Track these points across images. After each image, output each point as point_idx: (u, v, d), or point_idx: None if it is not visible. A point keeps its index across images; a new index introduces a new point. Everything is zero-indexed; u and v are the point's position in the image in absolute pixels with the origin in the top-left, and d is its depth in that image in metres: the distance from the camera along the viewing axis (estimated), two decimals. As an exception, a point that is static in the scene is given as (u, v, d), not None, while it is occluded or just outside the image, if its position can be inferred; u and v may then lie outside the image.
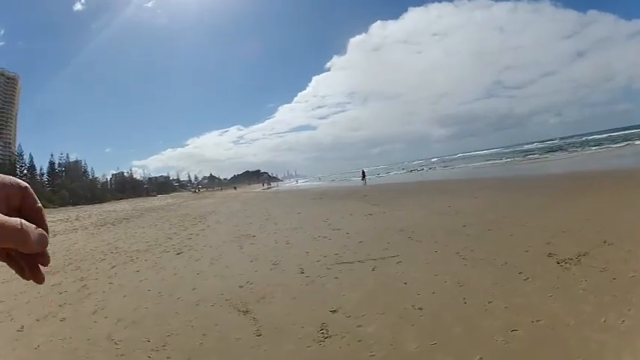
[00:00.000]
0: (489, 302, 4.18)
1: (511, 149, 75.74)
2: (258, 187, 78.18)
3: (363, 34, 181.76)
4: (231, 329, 4.17)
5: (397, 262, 6.03)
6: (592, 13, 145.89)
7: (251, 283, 5.85)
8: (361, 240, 8.01)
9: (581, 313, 3.74)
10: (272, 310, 4.70)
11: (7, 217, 0.42)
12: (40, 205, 0.48)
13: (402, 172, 57.94)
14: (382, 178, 50.97)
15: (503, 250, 6.05)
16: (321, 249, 7.63)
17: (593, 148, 41.03)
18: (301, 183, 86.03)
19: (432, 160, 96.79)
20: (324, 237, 8.90)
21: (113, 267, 8.23)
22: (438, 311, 4.09)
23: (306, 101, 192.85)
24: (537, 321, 3.69)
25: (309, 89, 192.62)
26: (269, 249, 8.37)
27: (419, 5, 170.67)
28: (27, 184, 0.49)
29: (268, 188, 69.03)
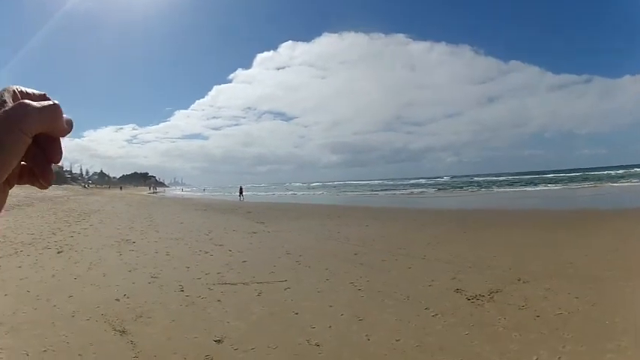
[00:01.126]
0: (397, 340, 3.74)
1: (402, 182, 78.43)
2: (145, 191, 76.15)
3: (272, 51, 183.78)
4: (107, 352, 3.68)
5: (285, 289, 5.55)
6: (514, 63, 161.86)
7: (128, 297, 5.21)
8: (245, 259, 7.46)
9: (507, 351, 3.45)
10: (150, 333, 4.02)
11: (40, 102, 0.43)
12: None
13: (289, 193, 57.32)
14: (268, 196, 50.53)
15: (402, 282, 5.72)
16: (203, 265, 7.06)
17: (485, 189, 41.99)
18: (186, 192, 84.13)
19: (324, 183, 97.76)
20: (206, 252, 8.28)
21: (-1, 258, 7.25)
22: (338, 349, 3.56)
23: (203, 110, 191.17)
24: (460, 362, 3.33)
25: (207, 98, 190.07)
26: (148, 258, 7.65)
27: (334, 32, 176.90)
28: (45, 93, 0.46)
29: (154, 193, 67.03)
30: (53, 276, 6.30)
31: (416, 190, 45.70)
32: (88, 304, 4.89)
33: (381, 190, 52.41)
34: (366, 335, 3.87)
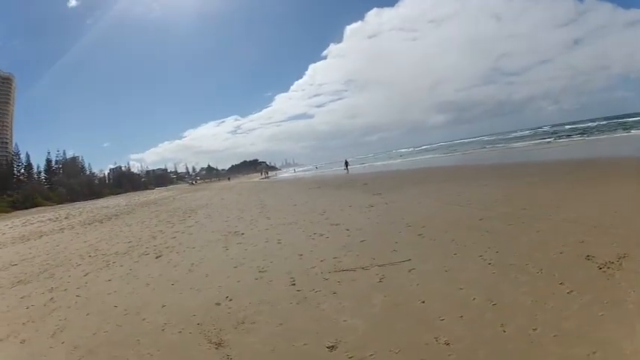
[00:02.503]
0: (534, 330, 3.26)
1: (507, 136, 73.29)
2: (256, 177, 74.92)
3: (359, 21, 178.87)
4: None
5: (409, 270, 5.04)
6: (589, 2, 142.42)
7: (230, 299, 4.95)
8: (363, 239, 6.94)
9: (637, 337, 2.96)
10: (251, 342, 3.73)
11: None
12: None
13: (398, 160, 54.94)
14: (379, 165, 48.43)
15: (533, 251, 5.05)
16: (317, 251, 6.63)
17: (593, 136, 37.68)
18: (299, 171, 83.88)
19: (432, 145, 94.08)
20: (321, 235, 7.82)
21: (86, 274, 7.37)
22: (472, 347, 3.13)
23: (303, 90, 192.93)
24: (593, 353, 2.89)
25: (305, 78, 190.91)
26: (257, 250, 7.33)
27: None
28: None
29: (266, 177, 67.23)
30: (147, 284, 6.13)
31: (522, 144, 42.44)
32: (184, 313, 4.67)
33: (490, 145, 49.61)
34: (502, 325, 3.43)
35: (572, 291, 3.89)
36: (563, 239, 5.37)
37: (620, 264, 4.30)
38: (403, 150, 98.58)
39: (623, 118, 54.87)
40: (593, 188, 9.00)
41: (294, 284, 5.17)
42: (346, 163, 41.87)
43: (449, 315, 3.70)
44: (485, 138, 77.40)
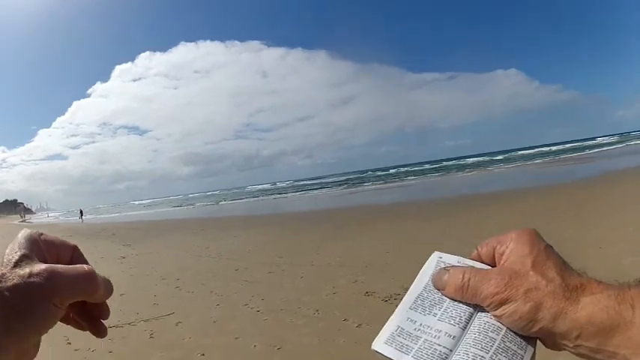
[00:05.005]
0: None
1: (252, 188, 78.23)
2: (16, 219, 63.42)
3: (130, 62, 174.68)
4: None
5: (176, 323, 4.46)
6: (372, 65, 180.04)
7: None
8: (122, 292, 5.93)
9: None
10: None
11: (75, 266, 0.39)
12: (89, 266, 0.42)
13: (145, 209, 52.08)
14: (124, 216, 43.70)
15: (302, 295, 4.88)
16: None
17: (342, 187, 40.35)
18: (52, 217, 74.79)
19: (178, 196, 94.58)
20: None
21: None
22: None
23: (63, 127, 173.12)
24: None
25: (67, 114, 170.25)
26: None
27: (191, 41, 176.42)
28: (75, 244, 0.45)
29: (24, 221, 58.60)
30: None
31: (268, 197, 43.97)
32: None
33: (233, 199, 50.00)
34: None
35: (360, 324, 3.67)
36: (333, 282, 5.31)
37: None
38: (147, 201, 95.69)
39: (390, 168, 66.11)
40: (351, 233, 9.66)
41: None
42: (81, 212, 39.60)
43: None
44: (230, 191, 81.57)
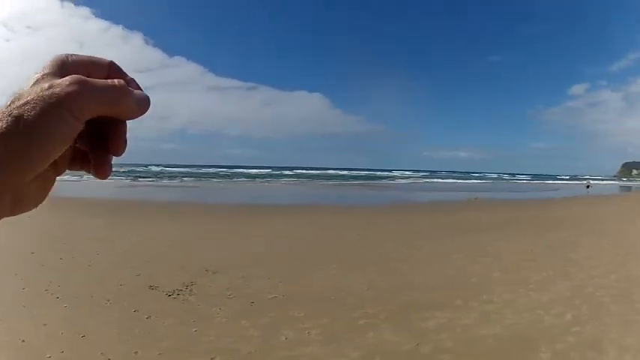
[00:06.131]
0: (135, 353, 3.27)
1: None
2: None
3: None
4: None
5: None
6: (178, 59, 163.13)
7: None
8: None
9: (250, 337, 3.76)
10: None
11: (98, 80, 0.33)
12: (130, 77, 0.37)
13: None
14: None
15: (92, 285, 5.10)
16: None
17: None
18: None
19: None
20: None
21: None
22: None
23: None
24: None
25: None
26: None
27: None
28: (112, 61, 0.37)
29: None
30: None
31: None
32: None
33: None
34: (102, 354, 3.16)
35: (150, 316, 4.21)
36: (117, 275, 5.59)
37: (191, 290, 5.05)
38: None
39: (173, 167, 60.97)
40: (127, 228, 9.55)
41: None
42: None
43: (52, 351, 3.29)
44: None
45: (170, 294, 4.91)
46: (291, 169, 68.84)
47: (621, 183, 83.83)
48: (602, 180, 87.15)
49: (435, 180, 52.79)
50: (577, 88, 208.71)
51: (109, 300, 4.57)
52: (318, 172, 65.29)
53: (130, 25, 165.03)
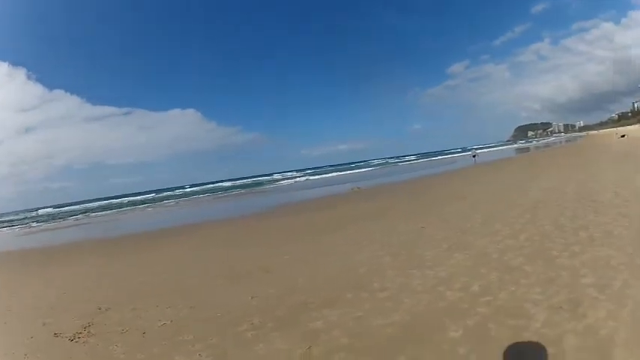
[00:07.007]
0: None
1: None
2: None
3: None
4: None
5: None
6: (58, 93, 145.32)
7: None
8: None
9: None
10: None
11: None
12: None
13: None
14: None
15: (10, 340, 5.11)
16: None
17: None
18: None
19: None
20: None
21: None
22: None
23: None
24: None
25: None
26: None
27: None
28: None
29: None
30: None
31: None
32: None
33: None
34: None
35: None
36: (22, 326, 5.51)
37: (89, 332, 4.96)
38: None
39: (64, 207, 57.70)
40: (23, 275, 9.36)
41: None
42: None
43: None
44: None
45: (72, 339, 4.84)
46: (172, 189, 68.93)
47: (517, 146, 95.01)
48: (496, 146, 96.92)
49: (319, 177, 53.14)
50: (457, 67, 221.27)
51: (26, 354, 4.52)
52: (202, 187, 64.92)
53: (16, 61, 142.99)
